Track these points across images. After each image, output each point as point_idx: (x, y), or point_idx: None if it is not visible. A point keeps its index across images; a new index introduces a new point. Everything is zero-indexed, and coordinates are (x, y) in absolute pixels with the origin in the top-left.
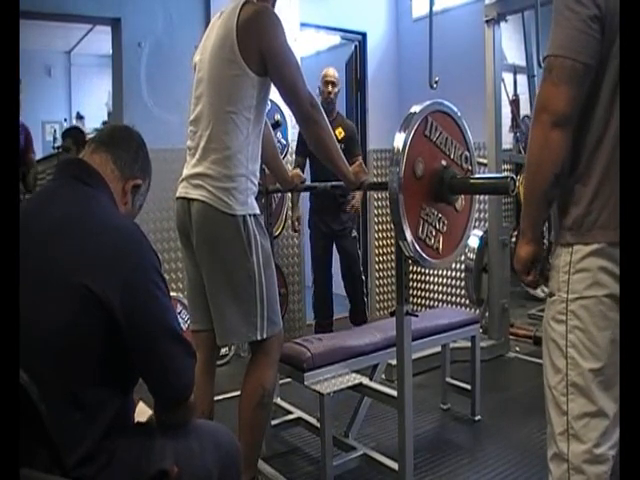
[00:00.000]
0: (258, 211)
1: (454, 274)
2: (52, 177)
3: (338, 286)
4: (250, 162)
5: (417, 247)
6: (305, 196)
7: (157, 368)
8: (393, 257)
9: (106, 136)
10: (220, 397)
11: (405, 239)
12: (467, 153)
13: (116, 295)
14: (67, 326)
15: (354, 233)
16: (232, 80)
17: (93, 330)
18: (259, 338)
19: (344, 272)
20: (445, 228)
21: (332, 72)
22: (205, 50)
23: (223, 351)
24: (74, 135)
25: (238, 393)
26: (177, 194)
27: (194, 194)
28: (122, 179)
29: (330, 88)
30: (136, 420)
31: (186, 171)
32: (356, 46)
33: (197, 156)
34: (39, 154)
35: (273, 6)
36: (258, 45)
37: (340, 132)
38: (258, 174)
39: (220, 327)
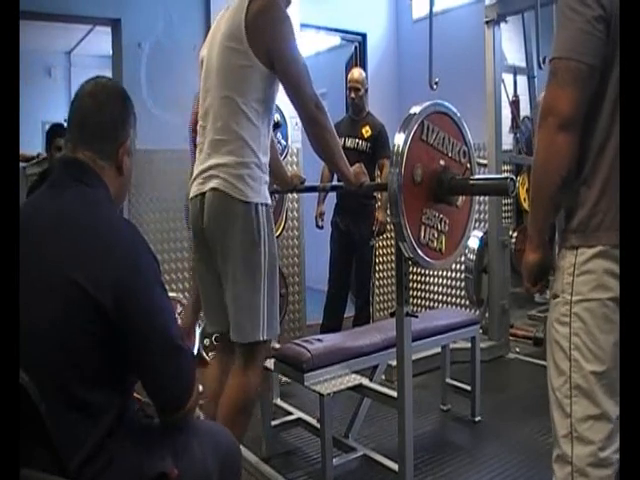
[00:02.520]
0: (269, 202)
1: (454, 275)
2: (49, 177)
3: None
4: (261, 154)
5: (417, 249)
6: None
7: (152, 371)
8: (393, 258)
9: (79, 130)
10: None
11: (405, 240)
12: (465, 147)
13: (107, 293)
14: (61, 325)
15: (372, 242)
16: (242, 71)
17: (88, 329)
18: (260, 339)
19: (354, 278)
20: (447, 227)
21: (356, 76)
22: (213, 44)
23: None
24: (64, 134)
25: None
26: (190, 194)
27: (207, 186)
28: (111, 160)
29: (353, 94)
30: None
31: (197, 169)
32: (356, 47)
33: (208, 150)
34: None
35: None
36: (266, 40)
37: (367, 131)
38: (268, 169)
39: (231, 322)
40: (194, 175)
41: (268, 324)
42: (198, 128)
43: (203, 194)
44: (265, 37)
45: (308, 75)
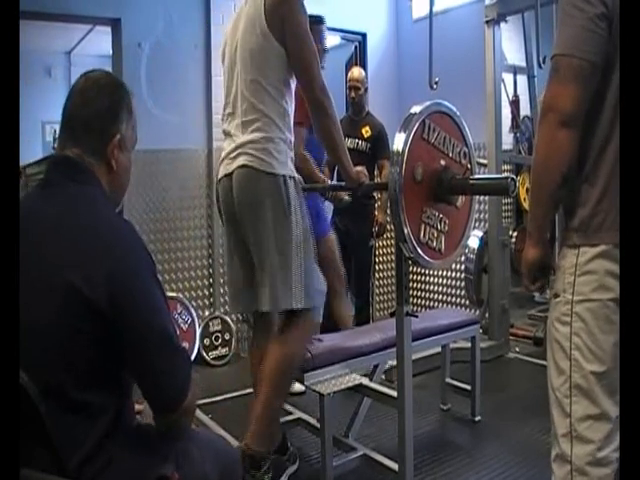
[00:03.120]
0: (297, 175)
1: (454, 275)
2: (42, 177)
3: None
4: (287, 132)
5: (417, 248)
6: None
7: (147, 370)
8: (393, 257)
9: (68, 127)
10: (219, 397)
11: (405, 240)
12: (465, 149)
13: (102, 289)
14: (60, 326)
15: (371, 242)
16: (264, 53)
17: (86, 329)
18: (294, 307)
19: (353, 279)
20: (447, 227)
21: (356, 75)
22: (234, 35)
23: (223, 351)
24: None
25: (238, 393)
26: (219, 175)
27: (235, 164)
28: (100, 156)
29: (353, 93)
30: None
31: (225, 152)
32: (356, 46)
33: (236, 132)
34: (39, 154)
35: None
36: (284, 26)
37: (367, 131)
38: (293, 146)
39: (258, 293)
40: (222, 158)
41: (305, 293)
42: (224, 116)
43: (231, 173)
44: (283, 23)
45: (318, 63)
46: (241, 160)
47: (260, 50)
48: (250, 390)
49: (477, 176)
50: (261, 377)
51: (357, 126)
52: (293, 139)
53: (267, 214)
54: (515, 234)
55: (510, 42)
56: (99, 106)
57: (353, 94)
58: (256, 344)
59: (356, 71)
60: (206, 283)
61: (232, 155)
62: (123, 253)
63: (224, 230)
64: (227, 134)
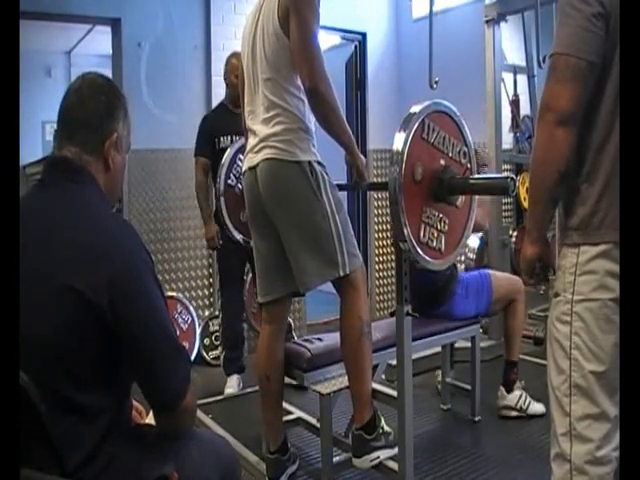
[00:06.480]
0: (320, 159)
1: None
2: (39, 178)
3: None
4: (307, 120)
5: (417, 248)
6: None
7: (146, 370)
8: (393, 257)
9: (64, 127)
10: (219, 397)
11: (405, 240)
12: (465, 148)
13: (104, 292)
14: (60, 330)
15: None
16: (277, 52)
17: (86, 332)
18: (342, 274)
19: None
20: (447, 227)
21: (235, 62)
22: (251, 35)
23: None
24: None
25: (238, 393)
26: (243, 168)
27: (259, 157)
28: (97, 154)
29: (235, 80)
30: (147, 421)
31: (249, 146)
32: (356, 46)
33: (259, 128)
34: (39, 154)
35: None
36: (291, 19)
37: None
38: (314, 134)
39: (301, 273)
40: (246, 152)
41: (348, 257)
42: (246, 114)
43: (255, 166)
44: (291, 17)
45: (320, 54)
46: (265, 153)
47: (274, 49)
48: (250, 390)
49: (477, 176)
50: (344, 345)
51: (238, 120)
52: (314, 129)
53: (297, 200)
54: (515, 234)
55: (510, 42)
56: (96, 104)
57: (235, 81)
58: (269, 332)
59: (234, 59)
60: (206, 283)
61: (256, 149)
62: (123, 256)
63: (249, 222)
64: (250, 131)
